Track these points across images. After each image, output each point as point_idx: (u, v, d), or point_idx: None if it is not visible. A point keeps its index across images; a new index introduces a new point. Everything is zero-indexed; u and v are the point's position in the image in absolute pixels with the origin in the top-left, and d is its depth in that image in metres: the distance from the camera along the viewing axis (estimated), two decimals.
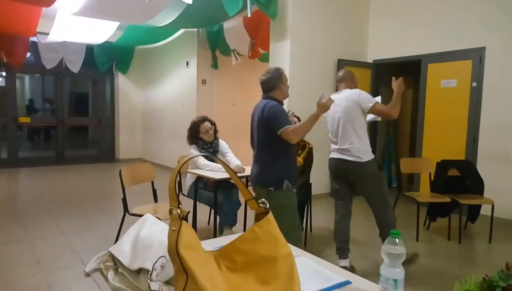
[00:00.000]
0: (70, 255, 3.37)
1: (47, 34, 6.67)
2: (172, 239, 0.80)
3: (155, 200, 3.58)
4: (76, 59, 8.13)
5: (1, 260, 3.23)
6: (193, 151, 3.71)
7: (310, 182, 3.94)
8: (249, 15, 4.65)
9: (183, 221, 0.83)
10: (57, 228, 4.13)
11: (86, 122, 10.50)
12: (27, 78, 12.53)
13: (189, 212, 0.86)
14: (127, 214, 3.22)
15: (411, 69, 6.25)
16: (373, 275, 1.18)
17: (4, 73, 8.11)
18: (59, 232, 4.01)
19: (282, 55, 5.33)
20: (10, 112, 8.14)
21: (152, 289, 0.93)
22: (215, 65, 7.37)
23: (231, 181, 3.35)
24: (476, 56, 4.85)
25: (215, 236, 3.58)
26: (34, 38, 7.52)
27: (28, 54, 7.90)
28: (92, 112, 10.60)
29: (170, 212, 0.84)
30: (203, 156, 3.70)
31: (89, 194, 6.02)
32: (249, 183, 4.01)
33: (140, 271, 1.02)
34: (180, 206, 0.85)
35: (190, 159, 0.95)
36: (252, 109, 2.97)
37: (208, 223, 4.24)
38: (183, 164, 0.88)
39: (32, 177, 7.41)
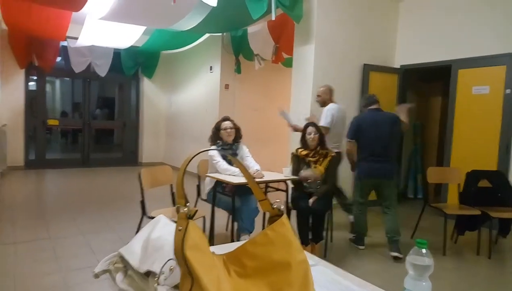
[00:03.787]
0: (88, 255, 3.39)
1: (77, 38, 6.87)
2: (178, 239, 0.75)
3: (174, 203, 3.57)
4: (104, 63, 8.33)
5: (21, 257, 3.28)
6: (213, 151, 3.68)
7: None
8: (273, 18, 4.62)
9: (190, 221, 0.77)
10: (78, 228, 4.18)
11: (112, 125, 10.74)
12: (57, 82, 13.00)
13: (196, 211, 0.80)
14: (145, 216, 3.21)
15: (440, 75, 6.06)
16: (396, 287, 1.09)
17: (35, 77, 8.39)
18: (79, 232, 4.06)
19: (306, 59, 5.26)
20: (39, 114, 8.40)
21: None
22: (238, 70, 7.38)
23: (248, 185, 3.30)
24: (510, 61, 4.63)
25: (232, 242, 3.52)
26: (64, 43, 7.76)
27: (59, 58, 8.16)
28: (117, 116, 10.84)
29: (177, 210, 0.79)
30: (220, 153, 3.63)
31: (111, 196, 6.11)
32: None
33: (149, 274, 0.98)
34: (188, 204, 0.79)
35: (204, 151, 0.90)
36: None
37: (226, 229, 4.19)
38: (192, 158, 0.83)
39: (57, 178, 7.60)
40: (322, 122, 4.06)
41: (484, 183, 4.00)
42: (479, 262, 3.67)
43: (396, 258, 3.56)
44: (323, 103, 4.29)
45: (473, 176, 4.04)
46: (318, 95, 4.35)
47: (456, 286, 3.11)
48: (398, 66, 5.97)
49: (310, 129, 3.58)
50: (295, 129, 4.40)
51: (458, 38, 5.20)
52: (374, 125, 3.70)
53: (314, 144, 3.59)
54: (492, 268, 3.58)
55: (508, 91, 4.66)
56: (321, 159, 3.63)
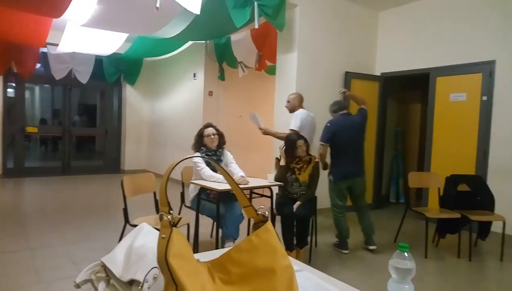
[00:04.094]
0: (70, 266, 3.31)
1: (57, 45, 6.75)
2: (161, 247, 0.75)
3: (157, 211, 3.52)
4: (85, 70, 8.21)
5: (0, 269, 3.17)
6: (197, 158, 3.66)
7: (316, 195, 3.87)
8: (256, 27, 4.65)
9: (174, 228, 0.77)
10: (59, 238, 4.08)
11: (93, 133, 10.55)
12: (37, 88, 12.71)
13: (180, 218, 0.80)
14: (128, 225, 3.16)
15: (419, 83, 6.20)
16: (379, 289, 1.10)
17: (13, 84, 8.20)
18: (61, 242, 3.96)
19: (289, 67, 5.31)
20: (18, 122, 8.20)
21: None
22: (222, 77, 7.39)
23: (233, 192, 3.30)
24: (486, 69, 4.79)
25: (217, 249, 3.50)
26: (44, 49, 7.61)
27: (38, 65, 8.00)
28: (99, 123, 10.66)
29: (161, 218, 0.78)
30: (204, 159, 3.61)
31: (92, 205, 5.99)
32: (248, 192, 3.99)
33: (132, 282, 0.96)
34: (171, 211, 0.79)
35: (188, 158, 0.90)
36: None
37: (211, 236, 4.16)
38: (176, 165, 0.83)
39: (37, 187, 7.41)
40: (292, 125, 4.25)
41: (463, 187, 4.09)
42: (460, 265, 3.75)
43: (373, 251, 3.94)
44: (292, 109, 4.46)
45: (452, 180, 4.14)
46: (288, 101, 4.50)
47: (438, 288, 3.16)
48: (379, 74, 6.10)
49: (300, 142, 3.66)
50: (265, 132, 4.49)
51: (436, 47, 5.34)
52: (348, 129, 3.91)
53: (304, 155, 3.70)
54: (472, 270, 3.66)
55: (484, 98, 4.81)
56: (305, 166, 3.69)
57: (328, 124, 3.96)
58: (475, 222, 3.86)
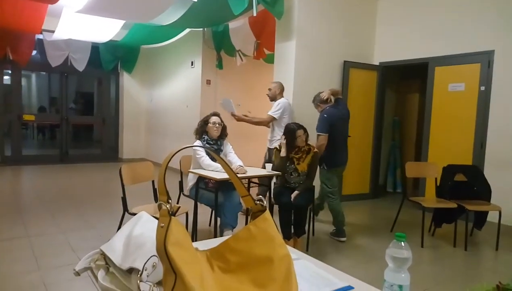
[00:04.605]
0: (68, 254, 3.33)
1: (53, 31, 6.68)
2: (160, 236, 0.75)
3: (156, 199, 3.53)
4: (81, 57, 8.14)
5: None
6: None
7: (313, 185, 3.89)
8: (254, 14, 4.61)
9: (173, 217, 0.77)
10: (57, 226, 4.10)
11: (91, 121, 10.52)
12: (33, 76, 12.62)
13: (179, 207, 0.80)
14: (126, 213, 3.17)
15: (418, 72, 6.19)
16: (377, 280, 1.12)
17: (10, 71, 8.12)
18: (59, 230, 3.98)
19: (287, 55, 5.28)
20: (14, 109, 8.15)
21: (141, 290, 0.88)
22: (220, 66, 7.34)
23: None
24: (485, 59, 4.77)
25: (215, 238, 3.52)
26: (40, 36, 7.53)
27: (34, 52, 7.92)
28: (97, 111, 10.61)
29: (159, 207, 0.78)
30: (205, 149, 3.62)
31: (90, 193, 6.00)
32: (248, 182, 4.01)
33: (131, 270, 0.97)
34: (170, 200, 0.79)
35: (188, 147, 0.90)
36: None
37: (209, 224, 4.18)
38: (175, 153, 0.82)
39: (34, 175, 7.41)
40: (272, 112, 4.58)
41: (460, 177, 4.12)
42: (456, 254, 3.79)
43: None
44: (273, 97, 4.72)
45: (449, 170, 4.15)
46: (269, 89, 4.74)
47: (435, 277, 3.20)
48: (377, 64, 6.07)
49: (300, 132, 3.64)
50: (239, 119, 4.60)
51: (435, 36, 5.31)
52: (339, 119, 4.07)
53: (303, 145, 3.68)
54: (468, 259, 3.70)
55: (482, 88, 4.80)
56: (304, 156, 3.69)
57: (325, 115, 3.98)
58: (471, 212, 3.90)
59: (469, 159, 4.87)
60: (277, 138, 4.50)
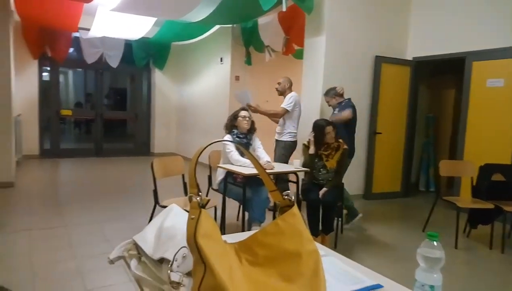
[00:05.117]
0: (103, 243, 3.46)
1: (89, 29, 6.92)
2: (190, 228, 0.77)
3: (185, 193, 3.60)
4: (115, 54, 8.39)
5: (36, 245, 3.36)
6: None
7: (343, 182, 3.84)
8: (284, 9, 4.58)
9: (203, 210, 0.78)
10: (92, 216, 4.26)
11: (124, 116, 10.83)
12: (70, 72, 13.13)
13: (209, 200, 0.81)
14: (157, 205, 3.25)
15: (454, 68, 5.95)
16: (407, 279, 1.09)
17: (48, 68, 8.49)
18: (93, 220, 4.14)
19: (317, 51, 5.22)
20: (53, 105, 8.52)
21: (172, 279, 0.90)
22: (248, 62, 7.35)
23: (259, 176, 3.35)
24: None
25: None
26: (76, 34, 7.82)
27: (71, 50, 8.24)
28: (129, 107, 10.91)
29: (190, 199, 0.80)
30: (234, 144, 3.65)
31: (123, 185, 6.20)
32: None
33: (162, 261, 1.00)
34: (200, 193, 0.81)
35: (217, 142, 0.91)
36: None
37: (237, 219, 4.22)
38: (205, 147, 0.84)
39: (71, 168, 7.73)
40: (285, 104, 4.65)
41: (497, 177, 3.94)
42: (491, 256, 3.64)
43: None
44: (282, 91, 4.79)
45: (487, 170, 3.99)
46: (279, 83, 4.81)
47: (468, 279, 3.09)
48: (411, 58, 5.88)
49: (329, 128, 3.58)
50: (255, 110, 4.60)
51: (473, 30, 5.08)
52: (355, 111, 4.27)
53: (332, 141, 3.63)
54: (505, 262, 3.54)
55: None
56: (333, 152, 3.64)
57: (352, 104, 4.26)
58: (509, 213, 3.72)
59: (508, 158, 4.64)
60: (288, 131, 4.68)
